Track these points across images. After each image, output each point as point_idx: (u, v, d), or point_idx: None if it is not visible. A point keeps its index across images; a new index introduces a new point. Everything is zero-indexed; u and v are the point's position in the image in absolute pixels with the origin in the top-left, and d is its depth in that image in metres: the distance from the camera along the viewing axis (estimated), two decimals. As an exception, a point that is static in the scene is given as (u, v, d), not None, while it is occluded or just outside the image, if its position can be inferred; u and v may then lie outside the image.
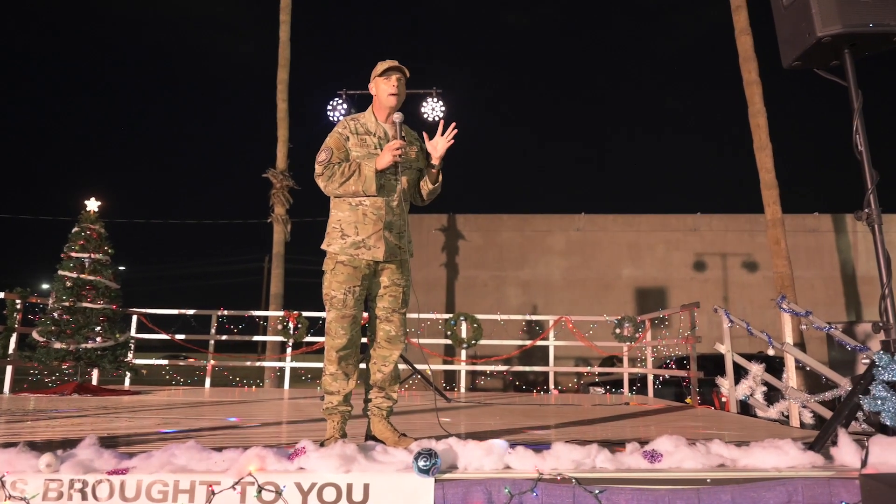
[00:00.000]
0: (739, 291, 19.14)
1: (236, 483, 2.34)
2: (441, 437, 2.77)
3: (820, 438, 2.63)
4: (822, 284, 18.97)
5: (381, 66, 3.25)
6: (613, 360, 14.60)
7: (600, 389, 11.90)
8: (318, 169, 3.14)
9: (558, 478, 2.35)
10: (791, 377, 5.28)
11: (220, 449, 2.53)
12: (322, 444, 2.63)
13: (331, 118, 8.62)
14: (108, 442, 3.04)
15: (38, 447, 2.57)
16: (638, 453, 2.48)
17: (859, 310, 18.97)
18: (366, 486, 2.36)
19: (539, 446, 2.60)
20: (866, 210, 3.00)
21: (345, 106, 8.66)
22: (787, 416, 5.59)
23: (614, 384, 11.85)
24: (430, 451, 2.36)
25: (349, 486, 2.36)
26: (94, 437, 2.59)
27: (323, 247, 3.19)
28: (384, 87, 3.23)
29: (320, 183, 3.16)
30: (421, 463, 2.33)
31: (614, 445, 2.65)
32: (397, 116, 3.23)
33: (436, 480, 2.36)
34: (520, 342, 11.37)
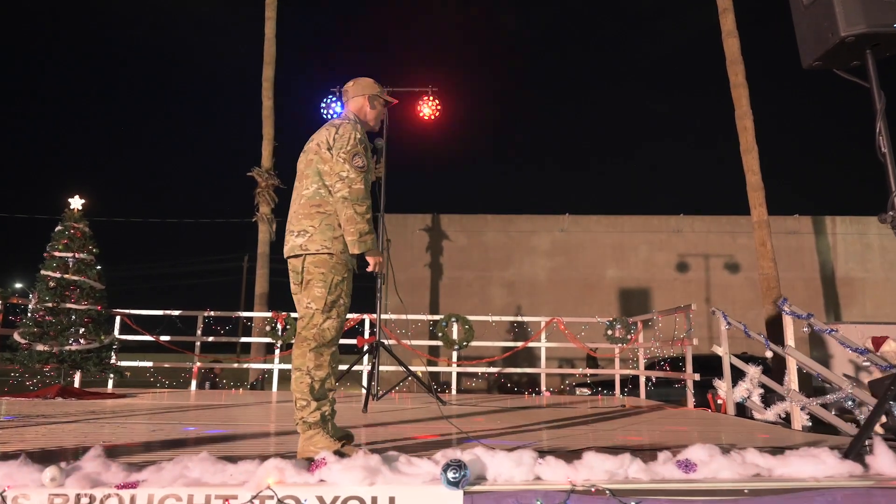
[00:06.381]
0: (722, 292, 19.27)
1: (254, 497, 2.22)
2: (461, 439, 2.68)
3: (853, 446, 2.57)
4: (802, 286, 19.16)
5: (384, 93, 3.34)
6: (597, 360, 14.61)
7: (587, 390, 11.89)
8: (354, 175, 2.92)
9: (592, 489, 2.26)
10: (793, 380, 5.25)
11: (234, 460, 2.41)
12: (342, 456, 2.51)
13: (325, 117, 8.46)
14: (114, 453, 2.90)
15: (39, 458, 2.43)
16: (671, 463, 2.40)
17: (838, 311, 19.20)
18: (391, 500, 2.25)
19: (569, 455, 2.51)
20: (891, 213, 2.94)
21: (338, 104, 8.50)
22: (784, 419, 5.57)
23: (602, 385, 11.84)
24: (458, 463, 2.26)
25: (374, 500, 2.25)
26: (100, 448, 2.45)
27: (352, 251, 2.95)
28: (379, 112, 3.33)
29: (348, 193, 2.91)
30: (450, 475, 2.23)
31: (645, 453, 2.57)
32: (380, 142, 3.55)
33: (465, 493, 2.26)
34: (507, 343, 11.30)
